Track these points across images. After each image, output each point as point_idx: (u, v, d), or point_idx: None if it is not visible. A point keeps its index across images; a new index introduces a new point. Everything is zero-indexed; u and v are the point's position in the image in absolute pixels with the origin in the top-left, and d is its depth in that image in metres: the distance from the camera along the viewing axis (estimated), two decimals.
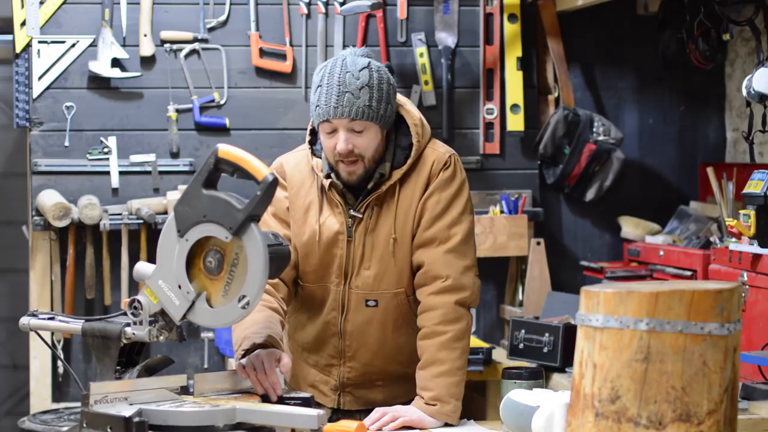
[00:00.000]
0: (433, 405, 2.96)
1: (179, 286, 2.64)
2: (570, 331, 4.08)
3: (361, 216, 3.08)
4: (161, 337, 2.68)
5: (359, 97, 2.98)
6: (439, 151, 3.12)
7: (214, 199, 2.61)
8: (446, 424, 2.99)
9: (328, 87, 3.01)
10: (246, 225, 2.58)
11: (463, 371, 3.03)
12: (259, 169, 2.61)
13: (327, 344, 3.16)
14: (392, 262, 3.07)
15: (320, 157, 3.12)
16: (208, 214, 2.60)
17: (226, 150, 2.63)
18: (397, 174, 3.07)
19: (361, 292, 3.08)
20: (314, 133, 3.15)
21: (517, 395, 2.71)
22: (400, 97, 3.16)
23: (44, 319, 2.83)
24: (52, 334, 4.67)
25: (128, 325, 2.71)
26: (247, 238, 2.59)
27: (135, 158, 4.71)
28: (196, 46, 4.74)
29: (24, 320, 2.84)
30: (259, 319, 2.98)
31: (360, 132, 3.01)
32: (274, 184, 2.59)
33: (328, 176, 3.09)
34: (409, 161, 3.07)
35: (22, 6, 4.62)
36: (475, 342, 4.47)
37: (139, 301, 2.66)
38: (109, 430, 2.44)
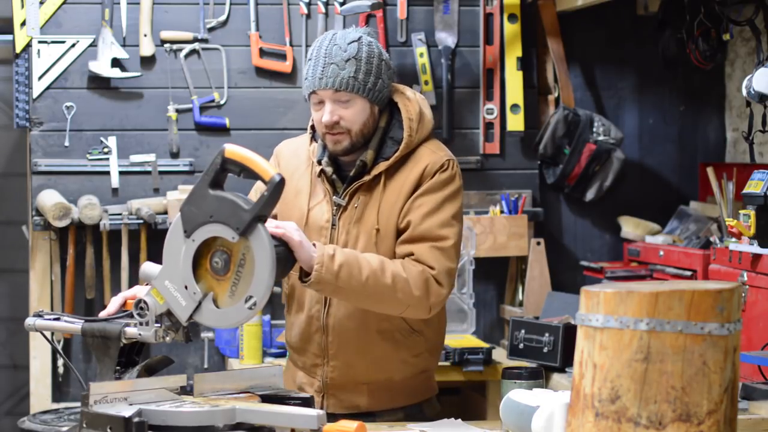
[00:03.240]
0: (326, 250, 2.90)
1: (186, 287, 2.63)
2: (570, 331, 4.08)
3: (344, 204, 3.08)
4: (167, 338, 2.67)
5: (344, 68, 3.01)
6: (437, 153, 3.10)
7: (220, 199, 2.60)
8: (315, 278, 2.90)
9: (315, 59, 3.05)
10: (253, 225, 2.57)
11: (364, 282, 2.92)
12: (266, 169, 2.60)
13: (311, 342, 3.15)
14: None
15: (318, 142, 3.13)
16: (214, 214, 2.60)
17: (233, 150, 2.62)
18: (383, 166, 3.07)
19: None
20: None
21: (517, 395, 2.71)
22: (405, 88, 3.16)
23: (50, 319, 2.83)
24: (52, 334, 4.67)
25: (128, 325, 2.71)
26: (254, 238, 2.58)
27: (135, 158, 4.71)
28: (196, 46, 4.74)
29: (30, 321, 2.84)
30: None
31: (345, 104, 3.03)
32: (281, 184, 2.59)
33: (319, 162, 3.10)
34: (397, 155, 3.07)
35: (22, 6, 4.61)
36: (475, 342, 4.47)
37: (145, 302, 2.66)
38: (109, 430, 2.44)
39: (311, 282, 2.89)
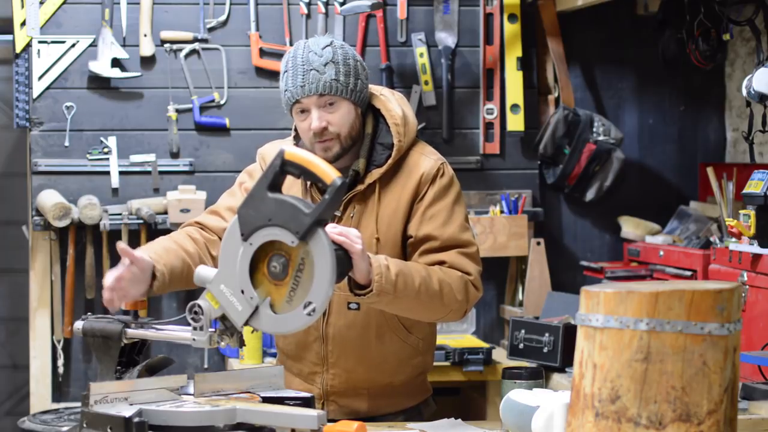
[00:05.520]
0: (380, 260, 2.83)
1: (242, 291, 2.57)
2: (570, 331, 4.08)
3: (339, 214, 3.04)
4: (222, 343, 2.63)
5: (325, 72, 2.96)
6: (429, 157, 3.07)
7: (279, 202, 2.54)
8: (365, 291, 2.82)
9: (293, 69, 2.99)
10: (313, 230, 2.51)
11: (417, 290, 2.88)
12: (328, 172, 2.55)
13: (309, 350, 3.10)
14: None
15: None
16: (273, 217, 2.53)
17: (293, 152, 2.56)
18: (377, 174, 3.03)
19: (343, 294, 2.96)
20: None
21: (517, 395, 2.71)
22: (385, 92, 3.11)
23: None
24: (52, 333, 4.69)
25: (128, 325, 2.71)
26: (314, 243, 2.52)
27: (135, 158, 4.72)
28: (196, 46, 4.74)
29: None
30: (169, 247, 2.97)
31: (331, 107, 2.98)
32: (343, 188, 2.54)
33: None
34: (390, 162, 3.03)
35: (22, 6, 4.62)
36: (475, 342, 4.47)
37: (199, 306, 2.60)
38: (109, 430, 2.44)
39: (372, 294, 2.81)
